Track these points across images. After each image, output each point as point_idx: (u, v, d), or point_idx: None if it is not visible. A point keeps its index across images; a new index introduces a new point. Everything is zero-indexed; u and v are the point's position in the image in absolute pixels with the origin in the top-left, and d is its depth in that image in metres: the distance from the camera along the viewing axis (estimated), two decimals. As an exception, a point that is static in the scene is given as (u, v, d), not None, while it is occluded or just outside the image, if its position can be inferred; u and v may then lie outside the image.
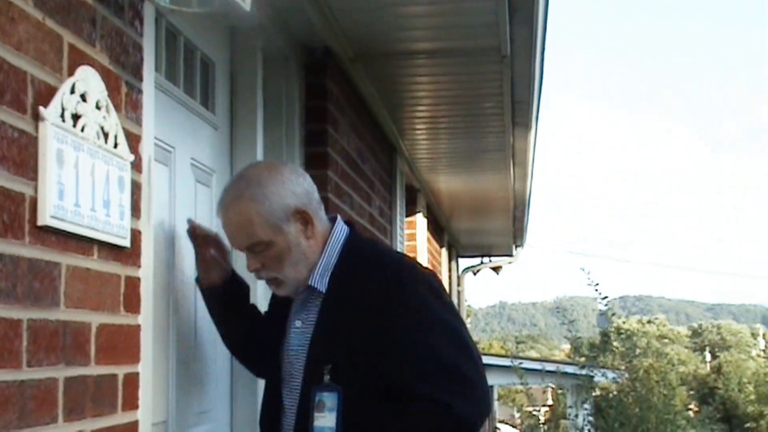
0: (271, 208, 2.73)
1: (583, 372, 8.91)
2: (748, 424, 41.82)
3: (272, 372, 2.96)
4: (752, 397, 42.32)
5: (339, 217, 2.96)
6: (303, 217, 2.78)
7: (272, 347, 2.97)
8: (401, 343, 2.68)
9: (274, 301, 3.07)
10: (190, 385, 3.29)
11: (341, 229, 2.90)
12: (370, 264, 2.84)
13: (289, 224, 2.75)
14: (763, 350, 59.03)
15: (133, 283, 2.28)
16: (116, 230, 2.17)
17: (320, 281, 2.80)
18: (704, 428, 8.93)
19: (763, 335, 73.02)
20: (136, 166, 2.32)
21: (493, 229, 12.05)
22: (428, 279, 2.86)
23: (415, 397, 2.68)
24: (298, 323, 2.86)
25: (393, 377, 2.69)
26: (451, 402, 2.66)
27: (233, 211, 2.76)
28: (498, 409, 20.15)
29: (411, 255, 8.34)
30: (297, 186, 2.80)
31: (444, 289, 2.91)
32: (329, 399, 2.69)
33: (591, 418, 8.39)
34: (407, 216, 8.15)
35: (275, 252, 2.76)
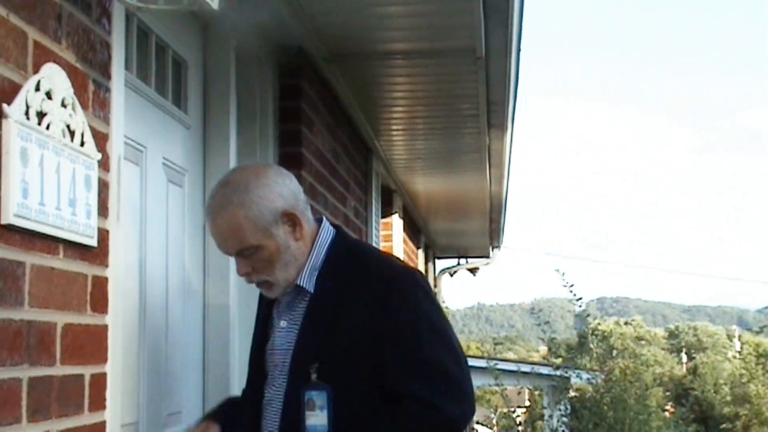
0: (259, 213, 2.71)
1: (558, 373, 8.92)
2: (723, 425, 42.03)
3: (255, 373, 2.95)
4: (728, 398, 42.55)
5: (324, 218, 2.96)
6: (291, 219, 2.77)
7: (256, 349, 2.97)
8: (390, 342, 2.68)
9: (259, 303, 3.06)
10: (162, 386, 3.28)
11: (328, 230, 2.90)
12: (357, 264, 2.84)
13: (277, 227, 2.74)
14: (739, 352, 59.29)
15: (101, 283, 2.26)
16: (83, 229, 2.15)
17: (308, 281, 2.80)
18: (678, 429, 8.96)
19: (739, 337, 73.32)
20: (104, 164, 2.30)
21: (469, 230, 12.05)
22: (416, 278, 2.86)
23: (403, 397, 2.69)
24: (283, 323, 2.85)
25: (381, 376, 2.69)
26: (438, 402, 2.67)
27: (221, 217, 2.74)
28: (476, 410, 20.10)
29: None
30: (284, 188, 2.79)
31: (430, 287, 2.92)
32: (319, 397, 2.69)
33: (565, 419, 8.40)
34: (383, 217, 8.14)
35: (265, 255, 2.75)
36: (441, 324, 2.82)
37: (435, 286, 13.68)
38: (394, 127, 6.78)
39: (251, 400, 2.95)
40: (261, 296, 3.04)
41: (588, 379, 8.73)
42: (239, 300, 3.78)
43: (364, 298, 2.72)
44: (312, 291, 2.80)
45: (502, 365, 14.81)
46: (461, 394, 2.74)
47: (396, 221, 8.81)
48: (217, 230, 2.77)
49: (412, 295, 2.77)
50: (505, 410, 8.59)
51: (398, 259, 3.20)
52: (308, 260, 2.81)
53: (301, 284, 2.80)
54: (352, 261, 2.84)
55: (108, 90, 2.36)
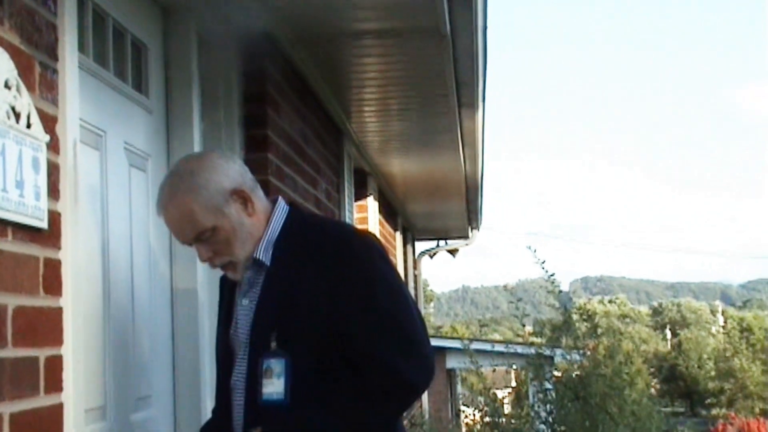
0: (208, 194, 2.75)
1: (541, 353, 8.93)
2: (708, 400, 42.26)
3: (224, 359, 2.96)
4: (712, 373, 42.79)
5: (280, 197, 2.99)
6: (241, 196, 2.81)
7: (222, 338, 2.97)
8: (346, 304, 2.70)
9: (222, 292, 3.07)
10: (129, 370, 3.27)
11: (283, 207, 2.93)
12: (311, 232, 2.87)
13: (229, 206, 2.77)
14: (723, 327, 59.64)
15: (53, 265, 2.25)
16: (31, 212, 2.14)
17: (265, 254, 2.83)
18: (653, 404, 9.00)
19: (723, 312, 73.83)
20: (53, 147, 2.29)
21: (447, 211, 12.06)
22: (370, 241, 2.90)
23: (361, 359, 2.70)
24: (245, 302, 2.87)
25: (339, 339, 2.71)
26: (396, 363, 2.69)
27: (172, 206, 2.77)
28: (461, 392, 20.17)
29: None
30: (228, 169, 2.83)
31: (384, 249, 2.94)
32: (277, 365, 2.71)
33: (541, 395, 8.42)
34: (357, 200, 8.13)
35: (222, 236, 2.77)
36: (397, 284, 2.84)
37: (415, 268, 13.70)
38: (366, 109, 6.77)
39: (223, 387, 2.96)
40: (222, 284, 3.06)
41: (569, 359, 8.75)
42: (207, 284, 3.78)
43: (319, 263, 2.74)
44: (269, 264, 2.82)
45: (488, 346, 14.86)
46: (420, 354, 2.76)
47: (371, 203, 8.80)
48: (172, 220, 2.80)
49: (367, 256, 2.79)
50: (493, 391, 8.59)
51: (352, 225, 3.23)
52: (264, 235, 2.84)
53: (258, 257, 2.82)
54: (306, 231, 2.87)
55: (55, 72, 2.34)
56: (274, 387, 2.71)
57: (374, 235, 3.02)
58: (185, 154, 3.57)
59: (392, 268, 2.90)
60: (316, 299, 2.71)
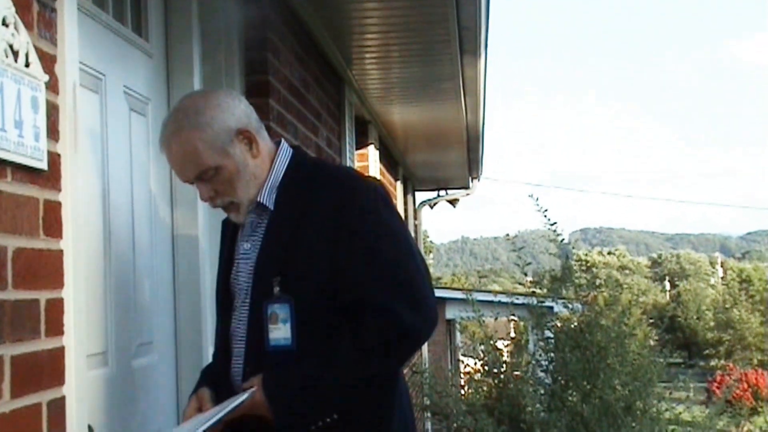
0: (213, 133, 2.72)
1: (540, 303, 8.93)
2: (707, 351, 42.47)
3: (224, 303, 2.94)
4: (711, 324, 42.97)
5: (283, 140, 2.96)
6: (246, 137, 2.78)
7: (223, 282, 2.95)
8: (350, 250, 2.68)
9: (223, 236, 3.05)
10: (131, 315, 3.26)
11: (287, 150, 2.91)
12: (316, 177, 2.84)
13: (233, 146, 2.75)
14: (722, 278, 59.85)
15: (53, 208, 2.22)
16: (30, 152, 2.11)
17: (268, 198, 2.81)
18: (653, 355, 9.01)
19: (722, 264, 74.00)
20: (52, 87, 2.25)
21: (448, 161, 12.02)
22: (375, 187, 2.85)
23: (363, 305, 2.68)
24: (246, 246, 2.85)
25: (342, 285, 2.69)
26: (400, 312, 2.66)
27: (176, 143, 2.74)
28: (460, 342, 20.26)
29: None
30: (235, 108, 2.79)
31: (390, 197, 2.91)
32: (281, 310, 2.70)
33: (542, 344, 8.43)
34: (358, 148, 8.09)
35: (225, 176, 2.75)
36: (402, 232, 2.82)
37: (415, 218, 13.69)
38: (367, 56, 6.72)
39: (223, 332, 2.94)
40: (224, 229, 3.04)
41: (571, 308, 8.75)
42: (208, 229, 3.76)
43: (324, 208, 2.72)
44: (272, 208, 2.79)
45: (485, 297, 14.88)
46: (423, 302, 2.74)
47: (372, 152, 8.76)
48: (174, 157, 2.77)
49: (372, 203, 2.76)
50: (492, 341, 8.58)
51: (358, 170, 3.20)
52: (268, 178, 2.82)
53: (262, 201, 2.80)
54: (311, 175, 2.85)
55: (53, 10, 2.30)
56: (281, 332, 2.70)
57: (380, 182, 2.99)
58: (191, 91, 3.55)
59: (397, 216, 2.88)
60: (320, 246, 2.69)
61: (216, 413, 2.63)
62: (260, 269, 2.78)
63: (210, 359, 3.28)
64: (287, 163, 2.86)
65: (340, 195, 2.74)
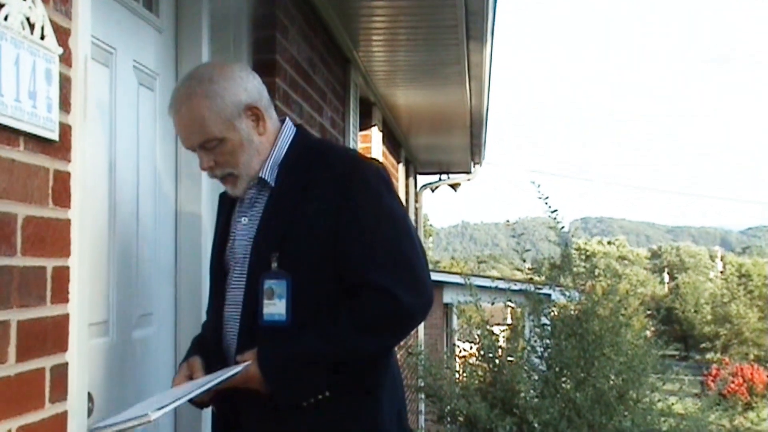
0: (223, 104, 2.75)
1: (538, 290, 8.97)
2: (703, 344, 42.55)
3: (217, 275, 2.98)
4: (708, 317, 43.03)
5: (288, 118, 2.99)
6: (255, 113, 2.82)
7: (218, 255, 2.99)
8: (350, 230, 2.72)
9: (220, 210, 3.08)
10: (132, 286, 3.30)
11: (290, 128, 2.95)
12: (318, 156, 2.87)
13: (241, 120, 2.79)
14: (721, 272, 59.85)
15: (62, 178, 2.26)
16: (43, 122, 2.15)
17: (270, 174, 2.84)
18: (649, 346, 9.06)
19: (721, 257, 74.01)
20: (66, 59, 2.29)
21: (451, 145, 12.04)
22: (377, 169, 2.89)
23: (361, 286, 2.72)
24: (244, 220, 2.89)
25: (340, 264, 2.73)
26: (397, 292, 2.70)
27: (185, 108, 2.78)
28: (457, 326, 20.29)
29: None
30: (248, 83, 2.83)
31: (391, 179, 2.95)
32: (278, 286, 2.73)
33: (538, 329, 8.47)
34: (362, 129, 8.11)
35: (228, 148, 2.79)
36: (401, 214, 2.86)
37: (416, 201, 13.71)
38: (373, 38, 6.74)
39: (216, 304, 2.97)
40: (221, 202, 3.07)
41: (568, 296, 8.79)
42: (211, 205, 3.79)
43: (325, 187, 2.75)
44: (273, 184, 2.83)
45: (483, 282, 14.89)
46: (420, 283, 2.78)
47: (375, 134, 8.79)
48: (182, 122, 2.80)
49: (374, 184, 2.80)
50: (488, 326, 8.62)
51: (359, 152, 3.24)
52: (270, 154, 2.86)
53: (263, 176, 2.84)
54: (313, 154, 2.88)
55: (69, -16, 2.34)
56: (275, 308, 2.74)
57: (381, 163, 3.01)
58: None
59: (398, 199, 2.91)
60: (320, 224, 2.73)
61: (207, 381, 2.67)
62: (259, 244, 2.81)
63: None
64: (290, 141, 2.90)
65: (342, 175, 2.77)
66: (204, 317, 3.58)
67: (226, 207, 3.01)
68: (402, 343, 9.65)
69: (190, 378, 2.83)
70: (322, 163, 2.84)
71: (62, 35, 2.27)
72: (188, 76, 2.85)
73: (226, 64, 3.03)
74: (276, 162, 2.86)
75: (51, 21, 2.21)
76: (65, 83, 2.29)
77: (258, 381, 2.70)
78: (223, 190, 3.02)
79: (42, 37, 2.15)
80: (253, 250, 2.82)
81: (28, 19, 2.09)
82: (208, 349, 2.94)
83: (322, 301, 2.75)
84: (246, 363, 2.69)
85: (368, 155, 8.39)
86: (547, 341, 8.44)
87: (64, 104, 2.28)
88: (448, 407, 8.16)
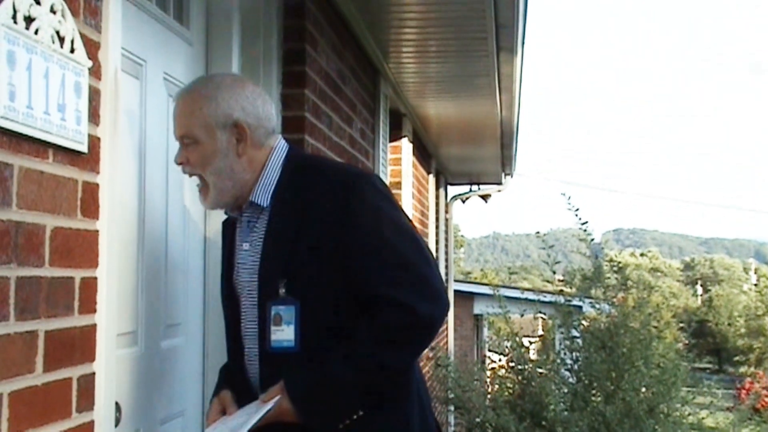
0: (215, 110, 2.75)
1: (569, 302, 8.95)
2: (737, 357, 42.25)
3: (229, 305, 2.97)
4: (742, 330, 42.75)
5: (280, 136, 2.96)
6: (239, 133, 2.78)
7: (226, 282, 2.98)
8: (355, 247, 2.69)
9: (224, 236, 3.07)
10: (161, 297, 3.32)
11: (282, 147, 2.91)
12: (313, 174, 2.83)
13: (223, 132, 2.77)
14: (755, 285, 59.41)
15: (91, 189, 2.29)
16: (72, 135, 2.18)
17: (262, 196, 2.81)
18: (680, 358, 9.01)
19: (755, 270, 73.45)
20: (95, 72, 2.32)
21: (481, 156, 12.03)
22: (373, 180, 2.86)
23: (375, 301, 2.69)
24: (245, 246, 2.87)
25: (353, 283, 2.70)
26: (411, 301, 2.67)
27: (183, 99, 2.82)
28: (487, 337, 20.27)
29: (395, 180, 8.36)
30: (250, 105, 2.81)
31: (389, 190, 2.93)
32: (286, 312, 2.71)
33: (567, 342, 8.45)
34: (392, 141, 8.12)
35: (200, 151, 2.77)
36: (404, 223, 2.82)
37: (446, 212, 13.71)
38: (404, 50, 6.76)
39: (232, 332, 2.96)
40: (224, 227, 3.05)
41: (598, 308, 8.76)
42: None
43: (323, 206, 2.72)
44: (268, 206, 2.81)
45: (514, 293, 14.84)
46: (433, 291, 2.75)
47: (405, 145, 8.80)
48: (176, 110, 2.84)
49: (371, 197, 2.76)
50: (518, 337, 8.61)
51: (354, 165, 3.22)
52: (261, 176, 2.82)
53: (255, 200, 2.82)
54: (307, 172, 2.84)
55: (99, -2, 2.37)
56: (284, 334, 2.71)
57: (378, 176, 2.98)
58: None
59: (398, 207, 2.88)
60: (324, 245, 2.70)
61: (243, 423, 2.64)
62: (265, 271, 2.79)
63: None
64: (283, 160, 2.86)
65: (340, 191, 2.74)
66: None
67: (229, 232, 2.99)
68: (430, 354, 9.65)
69: (223, 413, 2.83)
70: (319, 180, 2.80)
71: (92, 48, 2.30)
72: (206, 77, 2.94)
73: (246, 80, 3.01)
74: (268, 184, 2.82)
75: (81, 34, 2.24)
76: (95, 96, 2.32)
77: (291, 413, 2.67)
78: (225, 217, 3.03)
79: (72, 51, 2.18)
80: (260, 279, 2.80)
81: (58, 33, 2.12)
82: (235, 380, 2.93)
83: (332, 322, 2.72)
84: (276, 398, 2.67)
85: (397, 167, 8.43)
86: (577, 354, 8.41)
87: (94, 116, 2.31)
88: (477, 419, 8.15)
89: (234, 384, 2.90)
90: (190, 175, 2.87)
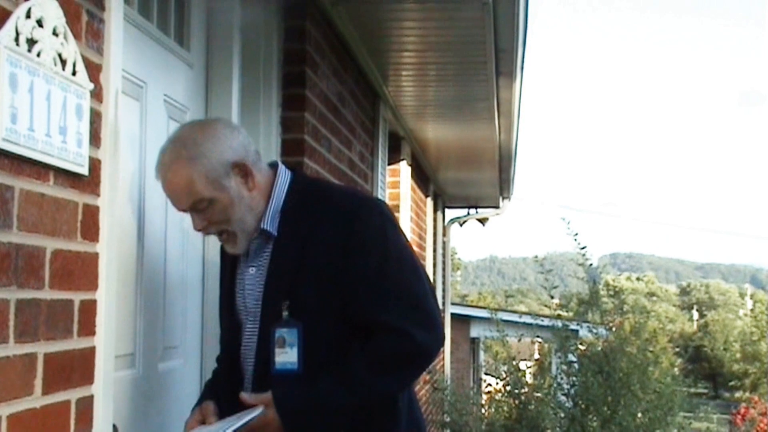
0: (210, 165, 2.73)
1: (566, 326, 8.94)
2: (732, 382, 42.18)
3: (229, 326, 2.98)
4: (738, 355, 42.69)
5: (280, 162, 2.98)
6: (242, 170, 2.79)
7: (226, 307, 2.99)
8: (357, 273, 2.71)
9: (223, 261, 3.07)
10: (159, 319, 3.31)
11: (285, 173, 2.92)
12: (319, 199, 2.86)
13: (229, 179, 2.76)
14: (751, 310, 59.38)
15: (91, 212, 2.29)
16: (73, 157, 2.18)
17: (272, 224, 2.82)
18: (682, 382, 9.01)
19: (751, 295, 73.45)
20: (97, 95, 2.32)
21: (479, 180, 12.04)
22: (379, 206, 2.89)
23: (373, 327, 2.72)
24: (252, 270, 2.88)
25: (351, 308, 2.72)
26: (409, 329, 2.70)
27: (172, 172, 2.75)
28: (484, 360, 20.23)
29: (394, 203, 8.36)
30: (232, 140, 2.80)
31: (394, 215, 2.94)
32: (289, 335, 2.73)
33: (565, 367, 8.44)
34: (391, 164, 8.13)
35: (219, 207, 2.76)
36: (407, 252, 2.85)
37: (444, 235, 13.70)
38: (403, 73, 6.77)
39: (227, 353, 2.98)
40: (223, 253, 3.05)
41: (595, 333, 8.76)
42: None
43: (328, 231, 2.74)
44: (276, 233, 2.82)
45: (511, 317, 14.82)
46: (431, 320, 2.78)
47: (404, 168, 8.81)
48: (170, 186, 2.79)
49: (377, 223, 2.79)
50: (514, 361, 8.61)
51: (360, 191, 3.22)
52: (269, 205, 2.83)
53: (265, 227, 2.82)
54: (313, 197, 2.86)
55: (101, 21, 2.37)
56: (287, 356, 2.73)
57: (384, 202, 3.02)
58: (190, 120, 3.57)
59: (402, 236, 2.90)
60: (328, 269, 2.72)
61: (222, 428, 2.66)
62: (269, 294, 2.81)
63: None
64: (287, 187, 2.88)
65: (344, 217, 2.76)
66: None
67: (229, 257, 2.98)
68: (427, 377, 9.63)
69: (203, 422, 2.83)
70: (323, 205, 2.82)
71: (94, 71, 2.31)
72: (172, 140, 2.82)
73: (209, 122, 3.02)
74: (276, 210, 2.83)
75: (83, 57, 2.24)
76: (96, 118, 2.32)
77: (276, 426, 2.68)
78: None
79: (73, 73, 2.18)
80: (264, 301, 2.82)
81: (60, 55, 2.12)
82: (219, 395, 2.94)
83: (334, 344, 2.74)
84: (260, 409, 2.67)
85: (396, 190, 8.43)
86: (574, 378, 8.40)
87: (95, 139, 2.31)
88: (474, 443, 8.12)
89: (218, 399, 2.91)
90: (217, 233, 2.86)
